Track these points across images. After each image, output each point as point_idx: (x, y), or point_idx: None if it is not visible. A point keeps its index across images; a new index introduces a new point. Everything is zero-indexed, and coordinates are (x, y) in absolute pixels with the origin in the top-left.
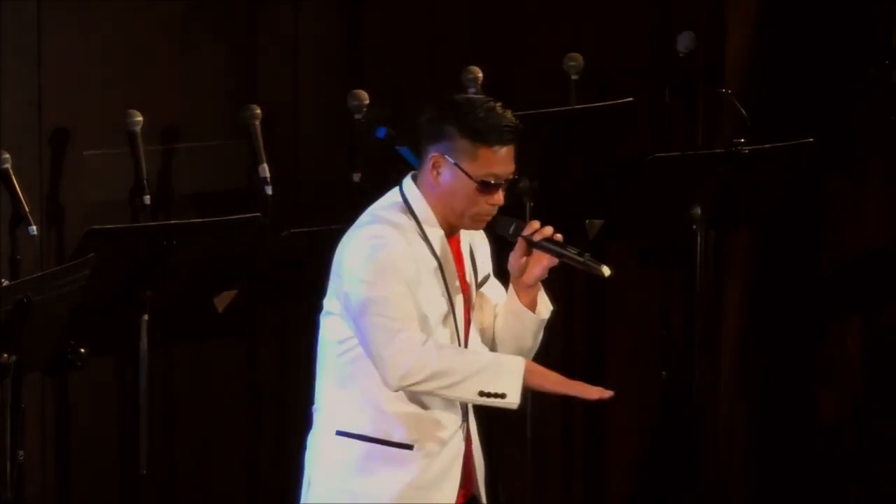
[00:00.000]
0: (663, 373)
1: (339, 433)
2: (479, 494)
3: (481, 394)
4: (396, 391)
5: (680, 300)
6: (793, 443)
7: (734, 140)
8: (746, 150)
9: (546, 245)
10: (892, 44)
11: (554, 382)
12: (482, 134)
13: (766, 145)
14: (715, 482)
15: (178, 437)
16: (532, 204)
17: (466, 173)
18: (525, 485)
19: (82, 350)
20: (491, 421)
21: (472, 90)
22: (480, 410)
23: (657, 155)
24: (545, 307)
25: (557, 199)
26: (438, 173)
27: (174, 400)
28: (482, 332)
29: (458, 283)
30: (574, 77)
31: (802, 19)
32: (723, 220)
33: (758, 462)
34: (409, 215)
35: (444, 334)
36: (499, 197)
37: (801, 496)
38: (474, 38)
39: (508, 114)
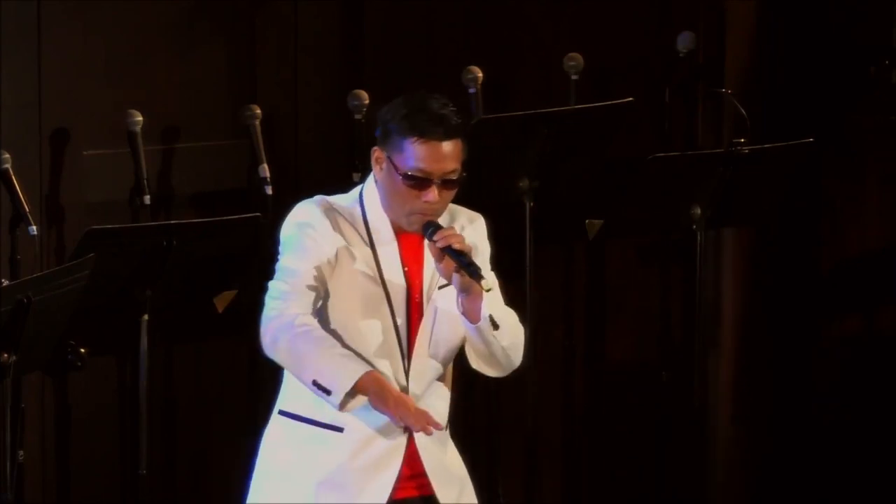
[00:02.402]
0: (663, 373)
1: (280, 413)
2: (439, 496)
3: (314, 383)
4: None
5: (680, 300)
6: (793, 443)
7: (734, 140)
8: (746, 150)
9: (445, 250)
10: (892, 44)
11: (384, 403)
12: (411, 125)
13: (766, 145)
14: (715, 482)
15: (178, 437)
16: (532, 204)
17: (395, 166)
18: (525, 483)
19: (82, 350)
20: (491, 420)
21: (471, 90)
22: (480, 409)
23: (657, 155)
24: (484, 313)
25: (557, 199)
26: (380, 168)
27: (174, 400)
28: (455, 333)
29: (400, 281)
30: (574, 77)
31: (802, 19)
32: (723, 220)
33: (758, 462)
34: (358, 209)
35: (373, 328)
36: (431, 194)
37: (801, 496)
38: (474, 38)
39: (450, 110)
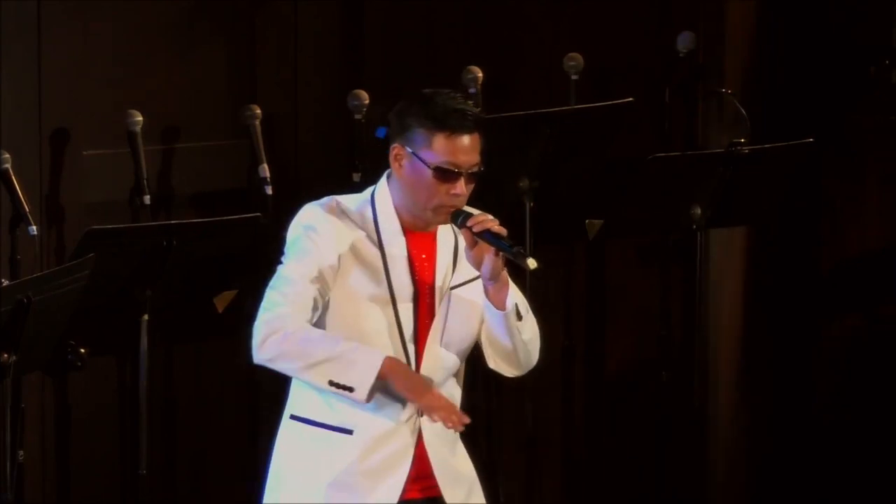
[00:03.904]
0: (663, 373)
1: (292, 417)
2: (447, 497)
3: (331, 383)
4: (256, 364)
5: (680, 300)
6: (793, 442)
7: (734, 140)
8: (746, 150)
9: (483, 235)
10: (892, 44)
11: (409, 389)
12: (437, 120)
13: (766, 145)
14: (715, 482)
15: (178, 437)
16: (532, 204)
17: (423, 161)
18: (524, 484)
19: (82, 350)
20: (491, 420)
21: (472, 90)
22: (480, 410)
23: (657, 155)
24: (512, 302)
25: (557, 199)
26: (400, 165)
27: (174, 400)
28: (468, 332)
29: (409, 281)
30: (574, 77)
31: (802, 19)
32: (723, 220)
33: (758, 461)
34: (369, 209)
35: (378, 330)
36: (459, 187)
37: (801, 495)
38: (474, 38)
39: (470, 103)
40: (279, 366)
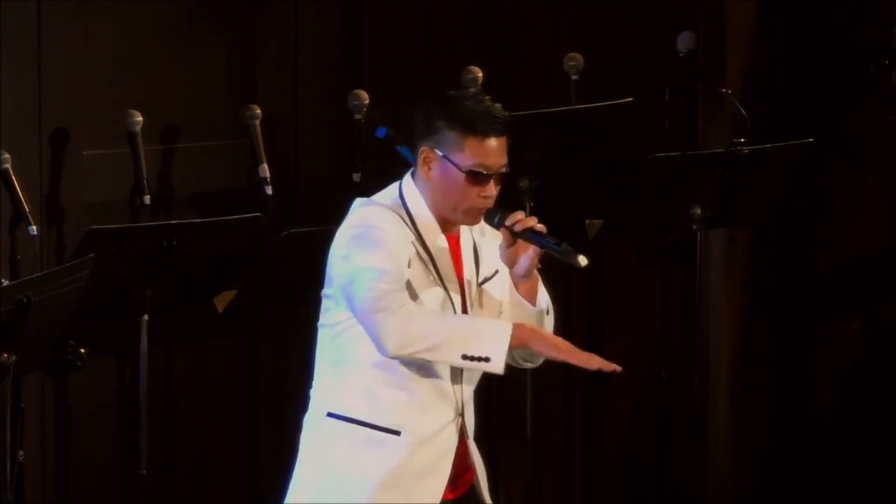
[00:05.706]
0: (663, 373)
1: (330, 415)
2: (481, 494)
3: (464, 357)
4: (394, 358)
5: (680, 300)
6: (793, 442)
7: (734, 140)
8: (746, 150)
9: (526, 234)
10: (892, 44)
11: (553, 348)
12: (469, 124)
13: (766, 145)
14: (715, 482)
15: (178, 437)
16: (532, 204)
17: (455, 164)
18: (525, 485)
19: (82, 350)
20: (491, 419)
21: (472, 90)
22: (479, 409)
23: (657, 155)
24: (543, 299)
25: (557, 199)
26: (429, 168)
27: (174, 400)
28: None
29: (453, 279)
30: (574, 77)
31: (802, 19)
32: (723, 220)
33: (758, 461)
34: (402, 210)
35: None
36: (490, 189)
37: (801, 495)
38: (474, 38)
39: (498, 106)
40: (408, 350)
